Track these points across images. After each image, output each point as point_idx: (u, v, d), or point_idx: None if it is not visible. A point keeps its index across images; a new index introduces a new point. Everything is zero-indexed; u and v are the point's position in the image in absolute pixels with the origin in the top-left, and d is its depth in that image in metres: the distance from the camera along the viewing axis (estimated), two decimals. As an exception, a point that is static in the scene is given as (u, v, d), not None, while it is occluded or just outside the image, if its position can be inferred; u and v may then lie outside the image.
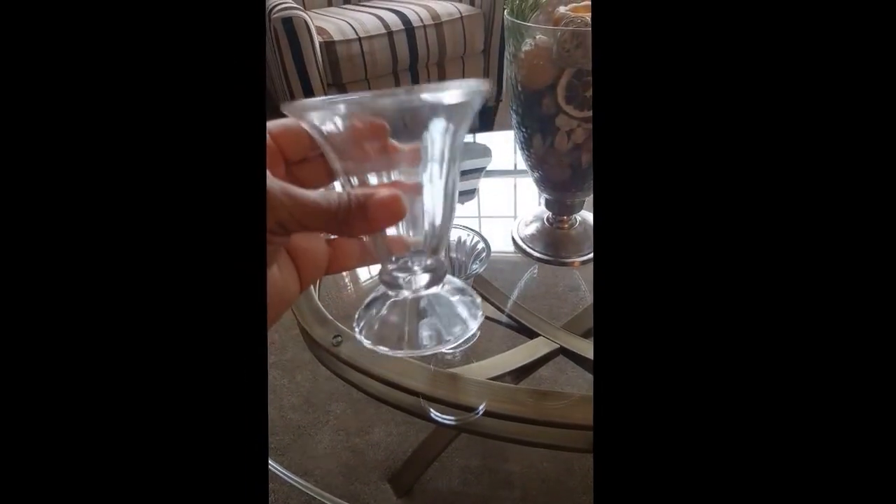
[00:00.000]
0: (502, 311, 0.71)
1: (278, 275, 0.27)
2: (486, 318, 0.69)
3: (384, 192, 0.25)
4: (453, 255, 0.60)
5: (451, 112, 0.25)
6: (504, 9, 0.62)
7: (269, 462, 0.56)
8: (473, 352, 0.66)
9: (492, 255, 0.57)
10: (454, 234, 0.60)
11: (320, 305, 0.67)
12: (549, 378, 0.65)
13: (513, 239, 0.82)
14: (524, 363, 0.64)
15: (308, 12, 1.74)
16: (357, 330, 0.30)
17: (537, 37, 0.59)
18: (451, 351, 0.65)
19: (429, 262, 0.30)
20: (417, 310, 0.30)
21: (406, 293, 0.30)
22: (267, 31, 1.71)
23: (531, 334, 0.67)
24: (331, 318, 0.66)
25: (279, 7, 1.66)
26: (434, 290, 0.30)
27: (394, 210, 0.25)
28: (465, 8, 1.95)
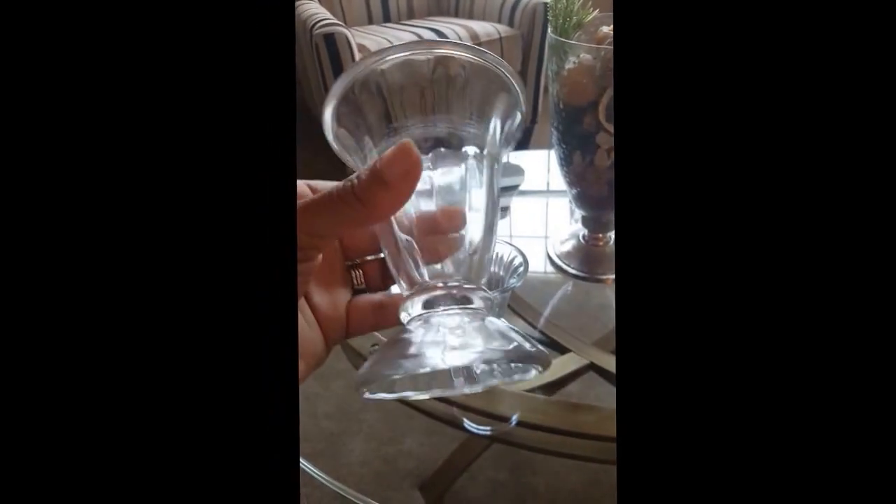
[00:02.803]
0: (534, 328, 0.72)
1: (307, 330, 0.26)
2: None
3: (390, 150, 0.23)
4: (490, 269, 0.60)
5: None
6: (550, 26, 0.64)
7: (306, 465, 0.57)
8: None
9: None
10: None
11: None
12: (579, 393, 0.66)
13: (548, 256, 0.83)
14: (555, 378, 0.64)
15: (349, 29, 1.77)
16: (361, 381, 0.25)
17: (581, 55, 0.60)
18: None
19: (466, 287, 0.26)
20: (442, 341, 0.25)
21: (435, 338, 0.25)
22: (310, 46, 1.75)
23: (562, 350, 0.68)
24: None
25: (322, 23, 1.70)
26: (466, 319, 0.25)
27: (408, 159, 0.22)
28: (504, 29, 1.97)
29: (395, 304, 0.27)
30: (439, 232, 0.26)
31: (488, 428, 0.60)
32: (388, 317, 0.29)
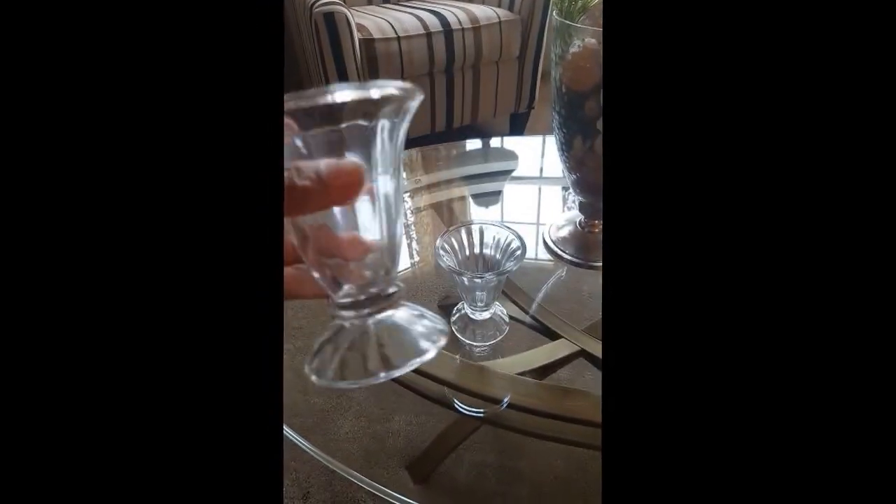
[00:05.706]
0: (526, 312, 0.72)
1: None
2: (511, 318, 0.70)
3: (344, 160, 0.23)
4: (487, 251, 0.61)
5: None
6: (554, 9, 0.63)
7: (296, 439, 0.57)
8: (497, 349, 0.67)
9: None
10: (490, 232, 0.60)
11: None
12: (568, 379, 0.66)
13: (544, 241, 0.83)
14: (545, 363, 0.64)
15: (349, 9, 1.76)
16: (308, 368, 0.28)
17: (585, 39, 0.60)
18: (479, 344, 0.66)
19: (382, 289, 0.28)
20: (366, 337, 0.28)
21: (352, 320, 0.28)
22: (309, 25, 1.73)
23: (553, 336, 0.68)
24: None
25: (321, 2, 1.68)
26: (384, 314, 0.28)
27: (353, 178, 0.23)
28: (503, 13, 1.96)
29: (309, 278, 0.28)
30: (344, 258, 0.27)
31: (479, 409, 0.61)
32: (303, 288, 0.30)
